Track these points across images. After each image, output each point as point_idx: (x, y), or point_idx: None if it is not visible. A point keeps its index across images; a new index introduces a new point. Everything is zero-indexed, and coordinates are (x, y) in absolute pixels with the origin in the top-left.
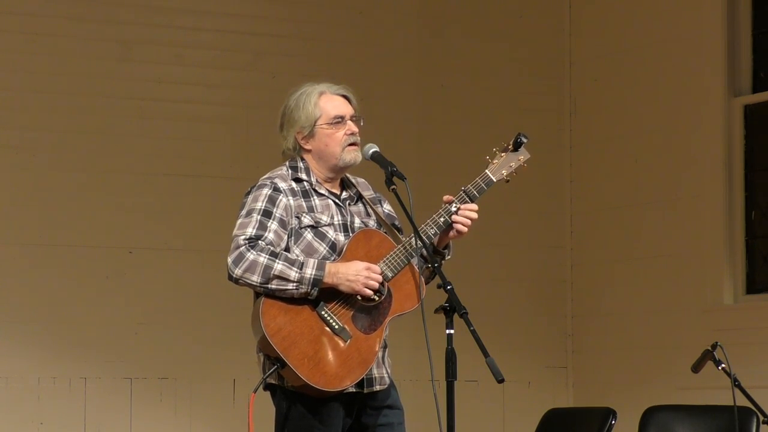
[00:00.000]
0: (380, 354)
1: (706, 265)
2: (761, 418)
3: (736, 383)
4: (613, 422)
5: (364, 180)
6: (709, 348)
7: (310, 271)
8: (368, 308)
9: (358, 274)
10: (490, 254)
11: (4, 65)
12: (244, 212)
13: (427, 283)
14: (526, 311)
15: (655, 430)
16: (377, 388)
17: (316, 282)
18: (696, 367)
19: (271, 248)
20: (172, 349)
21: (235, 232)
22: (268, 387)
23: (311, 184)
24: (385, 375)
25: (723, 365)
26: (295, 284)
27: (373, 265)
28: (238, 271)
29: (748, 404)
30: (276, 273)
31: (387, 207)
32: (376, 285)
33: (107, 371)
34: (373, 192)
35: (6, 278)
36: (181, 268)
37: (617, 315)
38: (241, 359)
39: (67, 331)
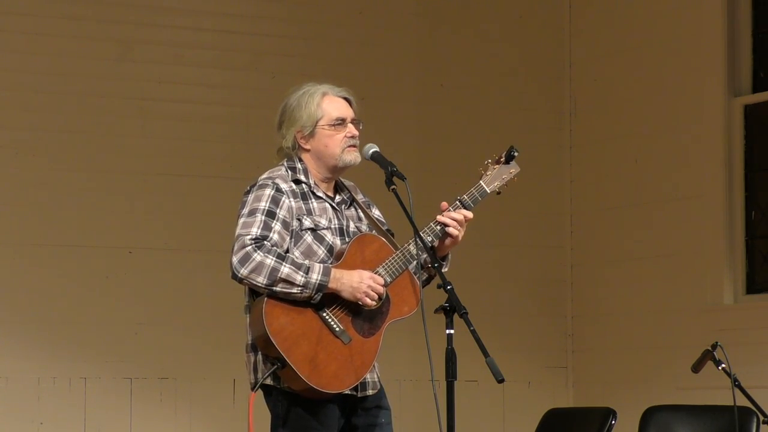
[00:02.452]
0: None
1: (706, 265)
2: (761, 418)
3: (736, 383)
4: (613, 422)
5: (353, 183)
6: (709, 348)
7: (315, 276)
8: (368, 312)
9: (361, 282)
10: (490, 254)
11: (4, 65)
12: (246, 211)
13: (423, 286)
14: (526, 311)
15: (655, 430)
16: (370, 392)
17: (321, 287)
18: (696, 367)
19: (277, 250)
20: (172, 349)
21: (239, 231)
22: (262, 387)
23: (309, 187)
24: (377, 379)
25: (723, 365)
26: (300, 288)
27: (376, 276)
28: (244, 271)
29: (748, 404)
30: (282, 276)
31: (377, 212)
32: (377, 295)
33: (107, 371)
34: (363, 196)
35: (6, 278)
36: (181, 268)
37: (617, 315)
38: (241, 359)
39: (67, 331)
